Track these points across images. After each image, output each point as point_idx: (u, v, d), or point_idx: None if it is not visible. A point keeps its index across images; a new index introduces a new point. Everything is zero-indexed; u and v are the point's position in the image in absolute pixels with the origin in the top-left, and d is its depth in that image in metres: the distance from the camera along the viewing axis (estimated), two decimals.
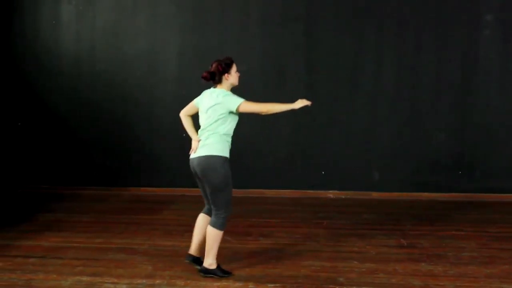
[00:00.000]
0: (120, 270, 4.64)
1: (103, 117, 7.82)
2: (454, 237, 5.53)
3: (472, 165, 7.31)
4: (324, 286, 4.27)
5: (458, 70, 7.25)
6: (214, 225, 4.35)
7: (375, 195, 7.38)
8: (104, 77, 7.79)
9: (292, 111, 4.46)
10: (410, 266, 4.68)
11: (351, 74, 7.44)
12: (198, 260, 4.54)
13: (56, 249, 5.20)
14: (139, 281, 4.40)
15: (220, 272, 4.43)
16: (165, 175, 7.69)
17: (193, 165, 4.39)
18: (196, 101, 4.52)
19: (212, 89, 4.46)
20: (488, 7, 7.15)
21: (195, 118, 4.54)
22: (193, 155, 4.40)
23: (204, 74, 4.38)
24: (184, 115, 4.60)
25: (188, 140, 4.51)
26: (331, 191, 7.48)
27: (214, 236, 4.35)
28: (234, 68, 4.45)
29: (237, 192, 7.05)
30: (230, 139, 4.40)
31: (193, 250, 4.55)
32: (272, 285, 4.29)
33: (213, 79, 4.40)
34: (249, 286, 4.27)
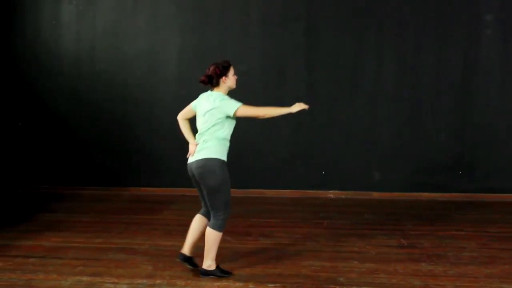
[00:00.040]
0: (120, 270, 4.64)
1: (103, 117, 7.81)
2: (454, 237, 5.53)
3: (472, 165, 7.31)
4: (324, 286, 4.27)
5: (458, 70, 7.25)
6: (213, 226, 4.35)
7: (375, 195, 7.38)
8: (104, 77, 7.79)
9: (290, 114, 4.45)
10: (411, 266, 4.69)
11: (351, 74, 7.43)
12: (190, 259, 4.55)
13: (56, 249, 5.20)
14: (140, 281, 4.40)
15: (220, 273, 4.44)
16: (165, 175, 7.69)
17: (191, 168, 4.38)
18: (194, 105, 4.51)
19: (209, 92, 4.45)
20: (488, 7, 7.15)
21: (192, 121, 4.54)
22: (190, 159, 4.40)
23: (202, 78, 4.37)
24: (182, 118, 4.59)
25: (187, 141, 4.52)
26: (331, 191, 7.48)
27: (213, 237, 4.35)
28: (231, 71, 4.43)
29: (237, 192, 7.08)
30: (228, 143, 4.40)
31: (186, 249, 4.54)
32: (272, 285, 4.30)
33: (211, 83, 4.38)
34: (249, 286, 4.28)
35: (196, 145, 4.37)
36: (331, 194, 7.47)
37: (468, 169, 7.30)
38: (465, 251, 5.08)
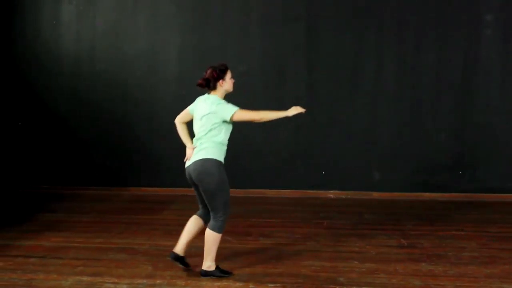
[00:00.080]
0: (120, 270, 4.64)
1: (103, 117, 7.82)
2: (455, 237, 5.53)
3: (472, 165, 7.31)
4: (324, 286, 4.27)
5: (459, 70, 7.25)
6: (213, 228, 4.35)
7: (375, 195, 7.38)
8: (104, 77, 7.79)
9: (286, 118, 4.45)
10: (411, 266, 4.69)
11: (351, 74, 7.43)
12: (181, 259, 4.54)
13: (57, 249, 5.20)
14: (140, 281, 4.40)
15: (219, 273, 4.44)
16: (165, 175, 7.69)
17: (188, 172, 4.38)
18: (191, 108, 4.51)
19: (206, 95, 4.45)
20: (488, 7, 7.15)
21: (190, 124, 4.54)
22: (188, 162, 4.40)
23: (199, 81, 4.37)
24: (179, 122, 4.59)
25: (185, 145, 4.52)
26: (331, 191, 7.48)
27: (212, 238, 4.36)
28: (229, 75, 4.43)
29: (237, 192, 7.11)
30: (225, 147, 4.40)
31: (178, 248, 4.54)
32: (273, 285, 4.30)
33: (208, 86, 4.38)
34: (250, 286, 4.28)
35: (194, 149, 4.38)
36: (331, 194, 7.47)
37: (468, 169, 7.31)
38: (465, 251, 5.09)
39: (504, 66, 7.21)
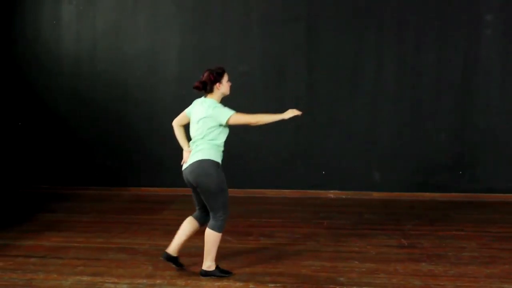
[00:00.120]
0: (120, 270, 4.64)
1: (103, 117, 7.82)
2: (455, 237, 5.54)
3: (472, 165, 7.31)
4: (325, 286, 4.27)
5: (459, 70, 7.25)
6: (213, 227, 4.35)
7: (375, 195, 7.38)
8: (104, 77, 7.79)
9: (282, 121, 4.45)
10: (411, 266, 4.69)
11: (351, 74, 7.43)
12: (175, 259, 4.55)
13: (57, 249, 5.20)
14: (140, 281, 4.40)
15: (220, 273, 4.44)
16: (165, 175, 7.69)
17: (185, 175, 4.37)
18: (188, 111, 4.51)
19: (202, 98, 4.45)
20: (488, 7, 7.15)
21: (187, 128, 4.54)
22: (184, 165, 4.40)
23: (196, 84, 4.37)
24: (177, 125, 4.59)
25: (182, 148, 4.53)
26: (331, 191, 7.48)
27: (212, 238, 4.36)
28: (225, 78, 4.43)
29: (237, 192, 7.12)
30: (222, 148, 4.40)
31: (171, 249, 4.54)
32: (273, 285, 4.30)
33: (205, 89, 4.38)
34: (250, 286, 4.28)
35: (190, 152, 4.39)
36: (331, 194, 7.47)
37: (468, 169, 7.31)
38: (465, 251, 5.09)
39: (504, 66, 7.21)
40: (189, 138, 4.49)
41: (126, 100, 7.78)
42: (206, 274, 4.42)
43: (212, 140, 4.31)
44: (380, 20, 7.34)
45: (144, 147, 7.77)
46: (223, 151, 4.41)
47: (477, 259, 4.84)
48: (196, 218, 4.53)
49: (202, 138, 4.31)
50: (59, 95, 7.88)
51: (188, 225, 4.53)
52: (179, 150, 4.56)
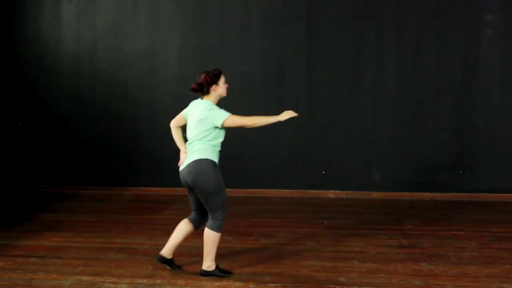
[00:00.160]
0: (121, 270, 4.64)
1: (103, 117, 7.81)
2: (455, 237, 5.54)
3: (472, 165, 7.31)
4: (325, 286, 4.27)
5: (458, 70, 7.25)
6: (212, 227, 4.34)
7: (375, 195, 7.38)
8: (105, 77, 7.79)
9: (279, 123, 4.45)
10: (411, 266, 4.69)
11: (352, 74, 7.43)
12: (170, 261, 4.55)
13: (57, 249, 5.21)
14: (140, 280, 4.40)
15: (220, 272, 4.44)
16: (165, 175, 7.68)
17: (183, 175, 4.36)
18: (185, 112, 4.51)
19: (199, 100, 4.45)
20: (488, 7, 7.15)
21: (184, 129, 4.55)
22: (181, 166, 4.40)
23: (193, 86, 4.37)
24: (174, 126, 4.60)
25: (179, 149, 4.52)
26: (331, 191, 7.48)
27: (212, 238, 4.35)
28: (222, 80, 4.43)
29: (237, 192, 7.13)
30: (219, 148, 4.40)
31: (165, 251, 4.54)
32: (273, 284, 4.30)
33: (202, 91, 4.38)
34: (250, 286, 4.28)
35: (186, 153, 4.39)
36: (332, 194, 7.47)
37: (468, 169, 7.31)
38: (465, 251, 5.09)
39: (504, 66, 7.21)
40: (186, 139, 4.49)
41: (126, 100, 7.78)
42: (206, 274, 4.42)
43: (208, 141, 4.31)
44: (380, 20, 7.34)
45: (144, 147, 7.77)
46: (220, 151, 4.41)
47: (477, 259, 4.84)
48: (191, 221, 4.53)
49: (198, 139, 4.31)
50: (59, 95, 7.88)
51: (182, 228, 4.52)
52: (179, 150, 4.57)
